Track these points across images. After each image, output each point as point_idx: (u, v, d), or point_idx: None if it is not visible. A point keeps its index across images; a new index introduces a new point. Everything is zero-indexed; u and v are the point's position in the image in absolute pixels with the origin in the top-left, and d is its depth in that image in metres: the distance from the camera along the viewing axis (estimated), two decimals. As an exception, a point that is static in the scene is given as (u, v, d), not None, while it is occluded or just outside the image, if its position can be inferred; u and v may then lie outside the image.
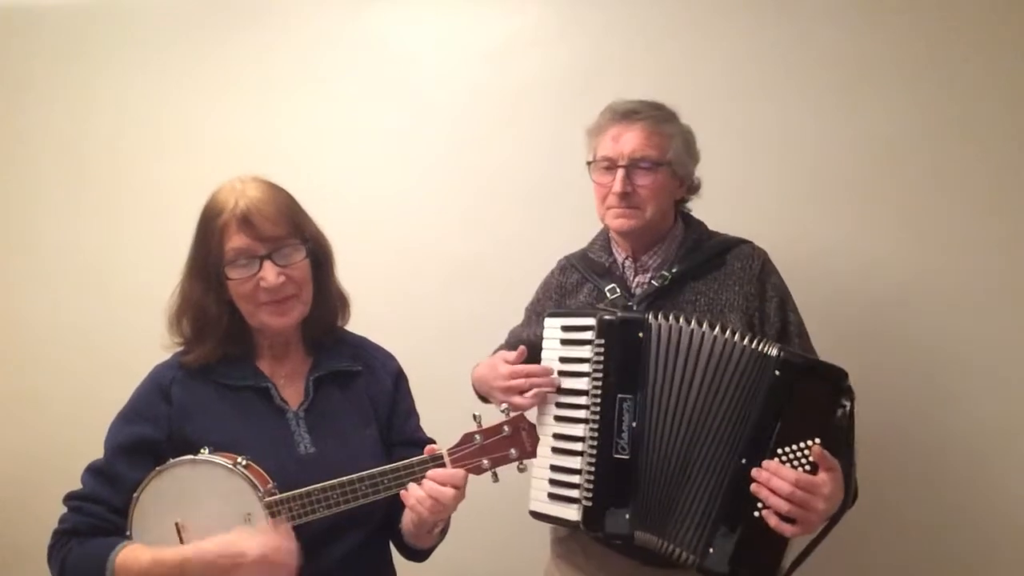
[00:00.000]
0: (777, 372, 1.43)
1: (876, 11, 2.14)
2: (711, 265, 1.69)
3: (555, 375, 1.59)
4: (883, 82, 2.14)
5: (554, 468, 1.57)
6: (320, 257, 1.46)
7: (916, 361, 2.14)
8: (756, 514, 1.40)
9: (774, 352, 1.44)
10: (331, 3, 2.49)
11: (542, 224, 2.35)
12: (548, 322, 1.65)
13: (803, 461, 1.39)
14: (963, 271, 2.11)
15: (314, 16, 2.50)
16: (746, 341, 1.48)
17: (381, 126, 2.48)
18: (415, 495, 1.33)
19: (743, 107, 2.22)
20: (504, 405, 1.45)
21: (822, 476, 1.36)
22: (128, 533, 1.32)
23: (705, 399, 1.49)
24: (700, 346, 1.50)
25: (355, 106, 2.49)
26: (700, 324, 1.51)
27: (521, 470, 1.47)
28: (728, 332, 1.49)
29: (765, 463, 1.40)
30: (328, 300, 1.50)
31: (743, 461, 1.43)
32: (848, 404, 1.42)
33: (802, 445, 1.39)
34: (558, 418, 1.57)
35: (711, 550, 1.45)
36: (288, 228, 1.39)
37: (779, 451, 1.41)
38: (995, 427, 2.10)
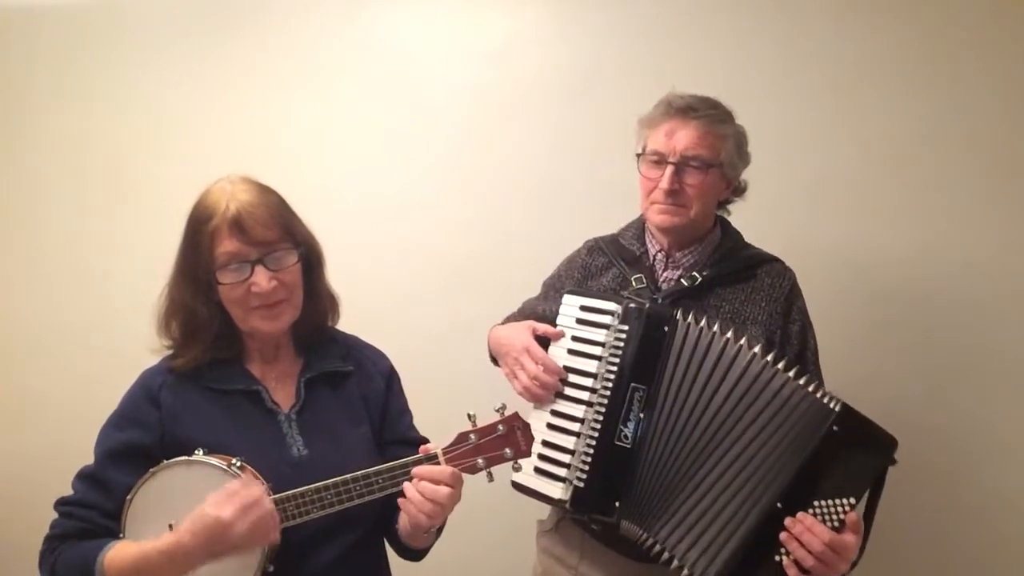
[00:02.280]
0: (835, 428, 1.42)
1: (876, 11, 2.13)
2: (741, 276, 1.68)
3: (562, 377, 1.60)
4: (883, 82, 2.13)
5: (546, 444, 1.58)
6: (311, 260, 1.45)
7: (917, 361, 2.13)
8: (777, 559, 1.40)
9: (836, 407, 1.44)
10: (331, 3, 2.49)
11: (542, 224, 2.34)
12: (567, 299, 1.66)
13: (835, 518, 1.40)
14: (964, 270, 2.10)
15: (314, 16, 2.50)
16: (795, 377, 1.47)
17: (381, 126, 2.48)
18: (413, 499, 1.31)
19: (743, 107, 2.19)
20: (498, 404, 1.44)
21: (850, 539, 1.38)
22: (121, 535, 1.31)
23: (730, 413, 1.49)
24: (734, 359, 1.50)
25: (355, 106, 2.50)
26: (738, 337, 1.50)
27: (516, 469, 1.46)
28: (770, 357, 1.49)
29: (800, 516, 1.40)
30: (319, 302, 1.49)
31: (779, 505, 1.43)
32: (887, 469, 1.44)
33: (839, 502, 1.40)
34: (560, 395, 1.59)
35: None
36: (279, 232, 1.37)
37: (815, 503, 1.41)
38: (999, 426, 2.10)
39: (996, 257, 2.08)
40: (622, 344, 1.56)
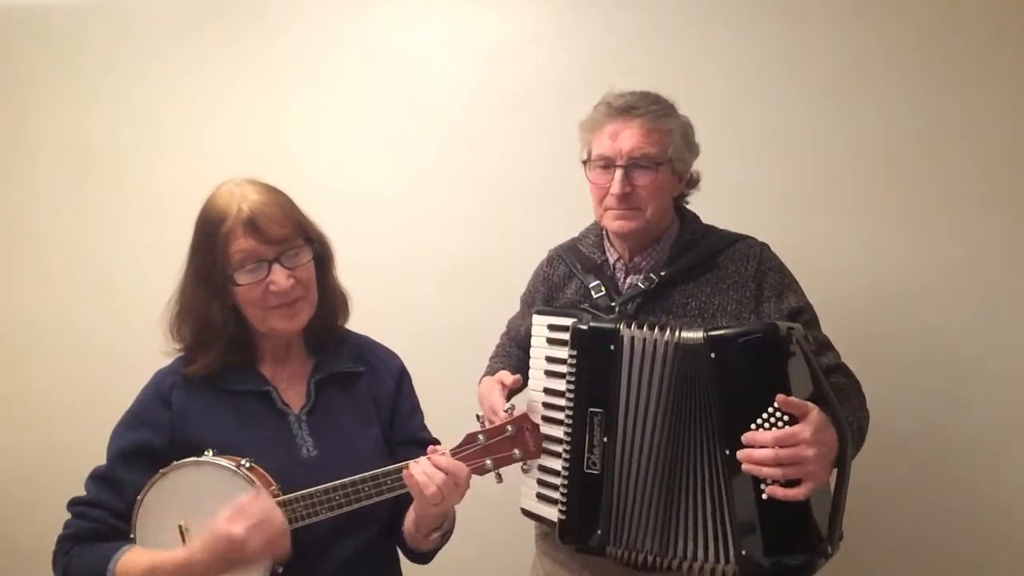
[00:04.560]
0: (713, 355, 1.40)
1: (875, 12, 2.14)
2: (703, 267, 1.63)
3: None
4: (882, 83, 2.15)
5: (541, 468, 1.56)
6: (323, 257, 1.45)
7: (915, 361, 2.14)
8: (764, 496, 1.35)
9: (700, 336, 1.42)
10: (332, 3, 2.49)
11: (540, 223, 2.33)
12: (536, 320, 1.63)
13: (779, 424, 1.35)
14: (962, 271, 2.12)
15: (315, 16, 2.50)
16: (667, 335, 1.45)
17: (381, 126, 2.49)
18: (415, 472, 1.31)
19: (742, 108, 2.23)
20: (508, 405, 1.45)
21: (797, 428, 1.32)
22: (132, 536, 1.32)
23: (678, 410, 1.45)
24: (666, 356, 1.46)
25: (355, 106, 2.50)
26: (673, 332, 1.45)
27: (525, 471, 1.47)
28: (667, 332, 1.45)
29: (743, 438, 1.36)
30: (330, 300, 1.49)
31: (727, 452, 1.38)
32: (795, 349, 1.39)
33: (771, 410, 1.36)
34: (545, 419, 1.55)
35: (743, 552, 1.39)
36: (293, 229, 1.38)
37: (752, 426, 1.37)
38: (997, 426, 2.11)
39: (995, 257, 2.10)
40: (575, 369, 1.52)
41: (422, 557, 1.50)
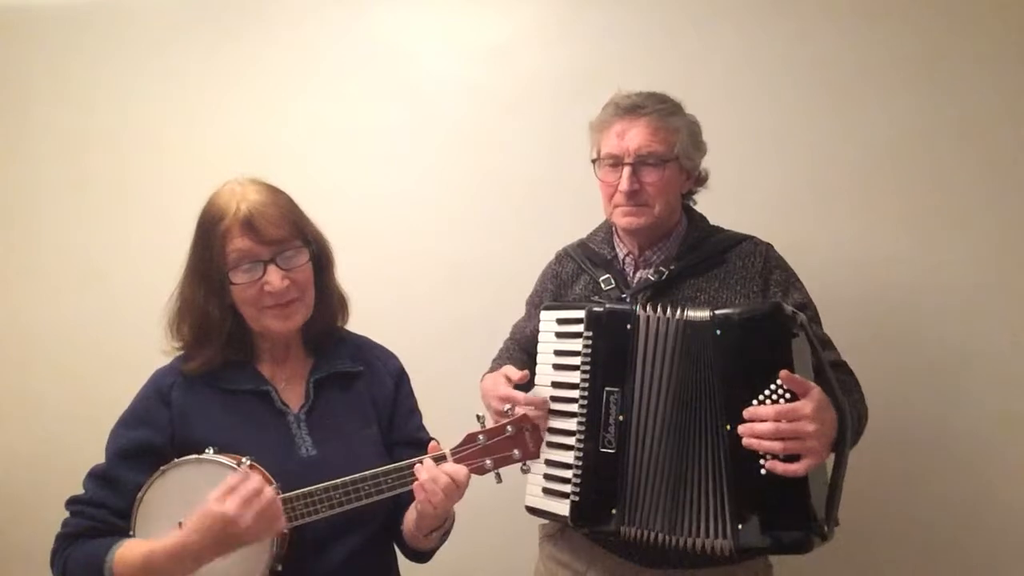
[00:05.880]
0: (718, 332, 1.44)
1: (875, 12, 2.15)
2: (712, 263, 1.67)
3: (548, 402, 1.57)
4: (882, 83, 2.15)
5: (549, 463, 1.57)
6: (322, 259, 1.46)
7: (916, 361, 2.14)
8: (763, 472, 1.37)
9: (706, 315, 1.45)
10: (332, 3, 2.49)
11: (541, 223, 2.35)
12: (544, 315, 1.64)
13: (781, 401, 1.37)
14: (963, 271, 2.12)
15: (315, 16, 2.50)
16: (678, 314, 1.48)
17: (381, 125, 2.48)
18: (424, 483, 1.31)
19: (742, 108, 2.23)
20: (507, 406, 1.45)
21: (799, 404, 1.35)
22: (131, 533, 1.32)
23: (687, 388, 1.48)
24: (676, 334, 1.49)
25: (355, 105, 2.50)
26: (683, 313, 1.49)
27: (524, 471, 1.47)
28: (677, 311, 1.49)
29: (744, 413, 1.39)
30: (329, 302, 1.49)
31: (728, 428, 1.41)
32: (799, 331, 1.42)
33: (773, 386, 1.38)
34: (553, 412, 1.57)
35: (740, 527, 1.41)
36: (290, 230, 1.39)
37: (754, 402, 1.39)
38: (997, 425, 2.11)
39: (995, 256, 2.09)
40: (590, 350, 1.54)
41: (421, 556, 1.51)
